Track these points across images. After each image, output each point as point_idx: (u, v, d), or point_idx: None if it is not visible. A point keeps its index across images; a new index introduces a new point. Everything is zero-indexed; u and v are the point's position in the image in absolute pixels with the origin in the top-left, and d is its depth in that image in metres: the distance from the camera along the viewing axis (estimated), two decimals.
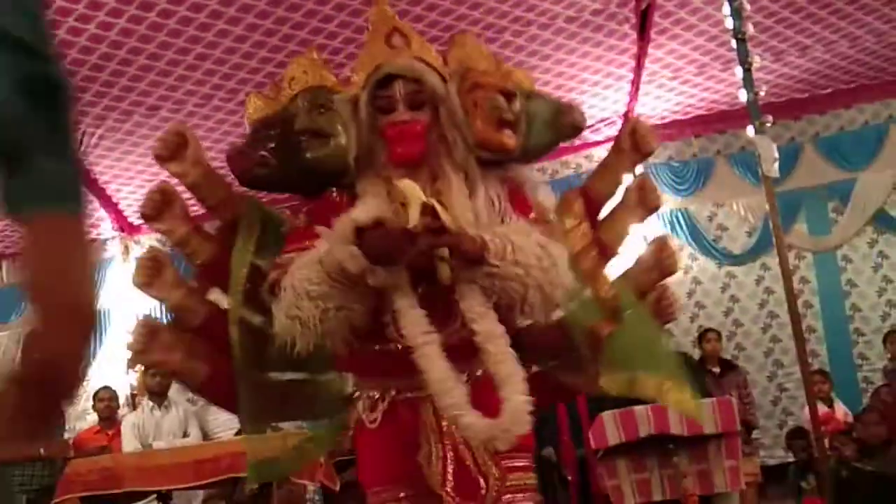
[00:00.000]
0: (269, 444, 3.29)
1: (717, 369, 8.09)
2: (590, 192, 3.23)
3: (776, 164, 6.70)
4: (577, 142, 10.07)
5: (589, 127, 10.03)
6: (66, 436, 6.82)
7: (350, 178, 2.82)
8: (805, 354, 6.86)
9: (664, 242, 3.24)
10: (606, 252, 3.21)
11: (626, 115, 10.04)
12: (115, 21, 7.18)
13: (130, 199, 9.91)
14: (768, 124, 6.71)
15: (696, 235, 10.30)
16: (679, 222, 10.30)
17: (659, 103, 9.97)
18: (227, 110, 8.56)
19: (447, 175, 2.76)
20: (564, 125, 3.01)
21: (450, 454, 2.67)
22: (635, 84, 9.48)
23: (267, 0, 7.30)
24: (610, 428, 6.05)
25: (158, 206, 3.00)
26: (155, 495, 6.35)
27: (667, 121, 10.25)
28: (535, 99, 2.99)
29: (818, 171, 10.06)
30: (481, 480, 2.66)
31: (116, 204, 10.02)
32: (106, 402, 7.81)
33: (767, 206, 7.01)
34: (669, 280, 3.19)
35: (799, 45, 9.01)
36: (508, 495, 2.71)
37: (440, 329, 2.55)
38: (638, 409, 5.98)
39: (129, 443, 7.17)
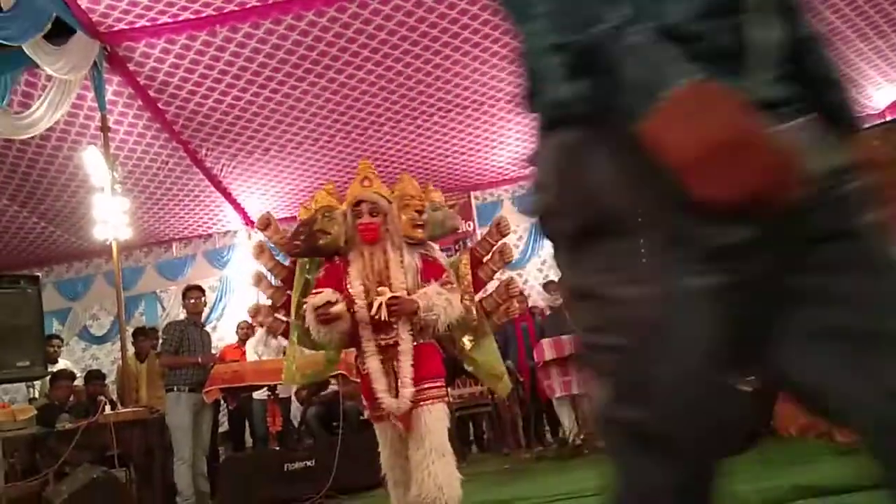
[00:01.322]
0: (314, 360, 4.02)
1: None
2: (474, 252, 3.79)
3: None
4: (525, 172, 10.29)
5: None
6: (213, 351, 6.81)
7: (344, 251, 3.46)
8: None
9: (502, 218, 3.83)
10: (482, 284, 3.80)
11: None
12: (261, 91, 7.50)
13: (252, 203, 9.97)
14: None
15: None
16: None
17: None
18: (320, 145, 8.74)
19: (388, 251, 3.36)
20: (447, 227, 3.54)
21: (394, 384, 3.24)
22: None
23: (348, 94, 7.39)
24: (547, 349, 6.06)
25: (265, 224, 3.79)
26: (266, 387, 6.45)
27: None
28: (438, 210, 3.51)
29: None
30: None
31: (243, 208, 10.07)
32: (245, 329, 7.88)
33: None
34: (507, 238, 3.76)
35: None
36: (427, 402, 3.26)
37: (386, 335, 3.26)
38: (563, 337, 6.03)
39: (250, 355, 7.30)
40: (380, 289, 3.25)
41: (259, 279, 3.85)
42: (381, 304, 3.17)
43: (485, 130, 9.07)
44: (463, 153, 9.56)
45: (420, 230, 3.39)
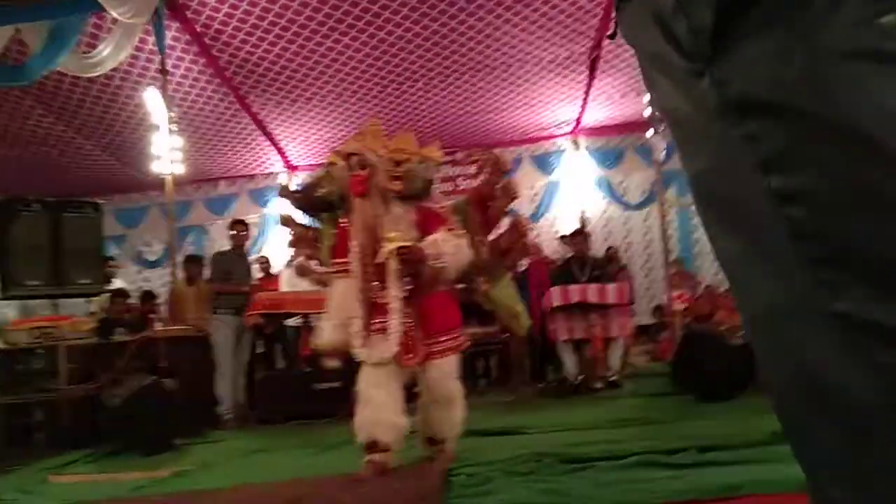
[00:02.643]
0: None
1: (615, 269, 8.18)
2: (478, 192, 3.63)
3: (663, 154, 6.66)
4: (545, 133, 10.15)
5: (556, 126, 10.10)
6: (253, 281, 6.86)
7: (345, 207, 3.31)
8: (668, 263, 6.95)
9: (494, 156, 3.62)
10: (493, 223, 3.62)
11: (578, 120, 9.95)
12: (306, 43, 7.39)
13: (293, 149, 9.89)
14: (661, 129, 6.66)
15: (611, 192, 10.38)
16: (603, 184, 10.39)
17: (597, 114, 9.92)
18: (358, 97, 8.63)
19: (377, 203, 3.12)
20: (423, 178, 3.27)
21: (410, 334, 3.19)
22: (585, 102, 9.42)
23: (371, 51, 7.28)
24: (555, 296, 6.04)
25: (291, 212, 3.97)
26: (300, 315, 6.53)
27: (601, 125, 10.22)
28: (423, 163, 3.28)
29: None
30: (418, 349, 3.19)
31: (285, 152, 10.01)
32: (264, 263, 7.95)
33: (654, 178, 7.01)
34: (508, 177, 3.54)
35: None
36: (437, 356, 3.16)
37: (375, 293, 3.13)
38: (571, 287, 6.03)
39: (284, 286, 7.36)
40: (391, 235, 3.06)
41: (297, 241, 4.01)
42: (391, 252, 3.02)
43: (511, 92, 8.89)
44: (489, 112, 9.41)
45: (397, 182, 3.17)
